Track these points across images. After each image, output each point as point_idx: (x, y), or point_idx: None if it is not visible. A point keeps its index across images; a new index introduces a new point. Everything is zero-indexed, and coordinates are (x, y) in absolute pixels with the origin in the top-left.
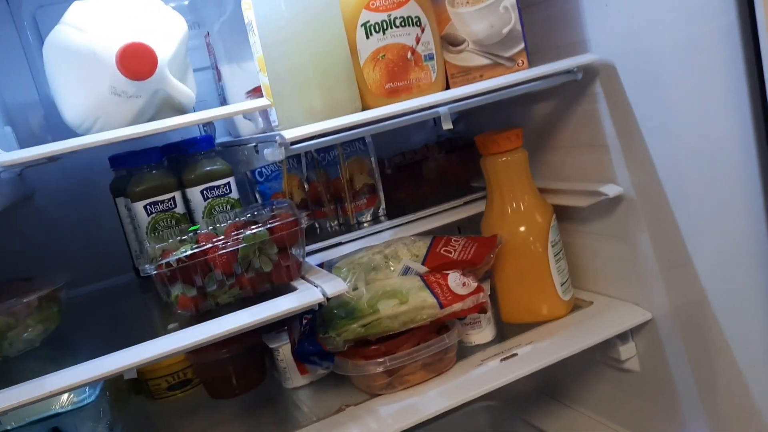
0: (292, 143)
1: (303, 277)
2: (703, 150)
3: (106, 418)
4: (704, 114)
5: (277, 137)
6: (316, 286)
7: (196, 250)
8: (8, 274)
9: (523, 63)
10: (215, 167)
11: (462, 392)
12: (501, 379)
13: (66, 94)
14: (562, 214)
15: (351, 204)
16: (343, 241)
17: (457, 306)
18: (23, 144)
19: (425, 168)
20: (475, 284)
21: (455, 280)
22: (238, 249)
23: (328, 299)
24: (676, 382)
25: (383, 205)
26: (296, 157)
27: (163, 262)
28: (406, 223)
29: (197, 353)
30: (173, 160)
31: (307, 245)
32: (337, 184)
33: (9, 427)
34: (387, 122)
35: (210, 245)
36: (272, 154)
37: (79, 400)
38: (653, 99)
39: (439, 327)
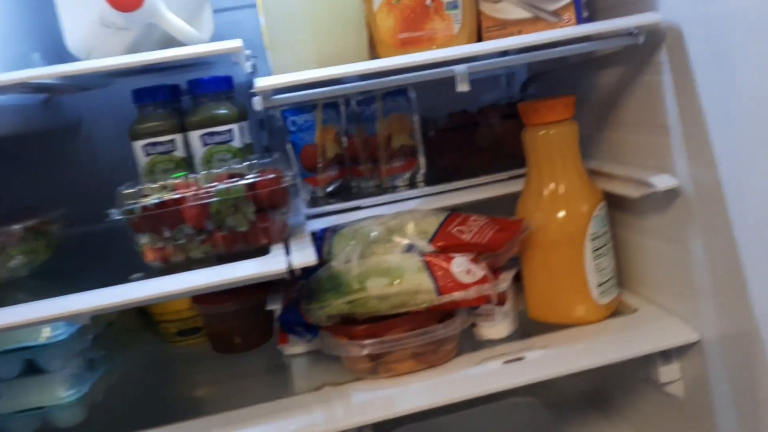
0: (273, 93)
1: (286, 241)
2: None
3: (84, 355)
4: None
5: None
6: (288, 254)
7: (164, 199)
8: (53, 200)
9: (569, 19)
10: (217, 111)
11: (447, 393)
12: (497, 383)
13: (65, 21)
14: (618, 203)
15: (385, 165)
16: (362, 205)
17: (457, 295)
18: None
19: (477, 134)
20: (482, 273)
21: (460, 266)
22: (210, 203)
23: (292, 270)
24: (718, 418)
25: (422, 170)
26: (335, 106)
27: (127, 208)
28: (440, 192)
29: (201, 303)
30: (182, 101)
31: (324, 206)
32: (374, 141)
33: None
34: (388, 78)
35: (180, 195)
36: (256, 103)
37: (52, 335)
38: (720, 77)
39: (444, 315)
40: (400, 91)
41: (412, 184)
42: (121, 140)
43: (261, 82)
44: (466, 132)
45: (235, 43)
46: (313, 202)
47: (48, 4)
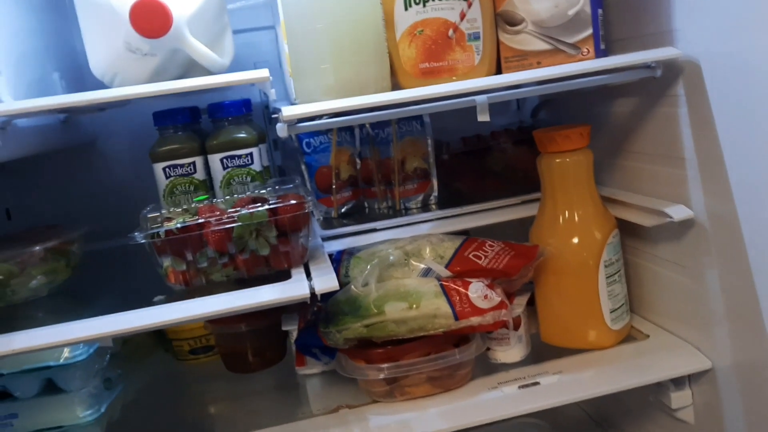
0: (297, 121)
1: (306, 265)
2: None
3: (102, 375)
4: None
5: (279, 113)
6: (310, 279)
7: (188, 223)
8: (66, 218)
9: (588, 52)
10: (238, 135)
11: (464, 417)
12: (514, 409)
13: (89, 45)
14: (630, 229)
15: (399, 188)
16: (378, 227)
17: (474, 320)
18: (71, 91)
19: (490, 158)
20: (499, 299)
21: (477, 291)
22: (233, 228)
23: (315, 295)
24: None
25: (435, 193)
26: (349, 129)
27: (152, 232)
28: (454, 216)
29: (215, 323)
30: (202, 122)
31: (340, 227)
32: (388, 164)
33: (4, 372)
34: (409, 108)
35: (204, 220)
36: (280, 130)
37: (71, 356)
38: (737, 110)
39: (459, 338)
40: (414, 116)
41: (424, 207)
42: (136, 157)
43: (288, 112)
44: (479, 156)
45: (263, 73)
46: (327, 222)
47: (67, 24)
